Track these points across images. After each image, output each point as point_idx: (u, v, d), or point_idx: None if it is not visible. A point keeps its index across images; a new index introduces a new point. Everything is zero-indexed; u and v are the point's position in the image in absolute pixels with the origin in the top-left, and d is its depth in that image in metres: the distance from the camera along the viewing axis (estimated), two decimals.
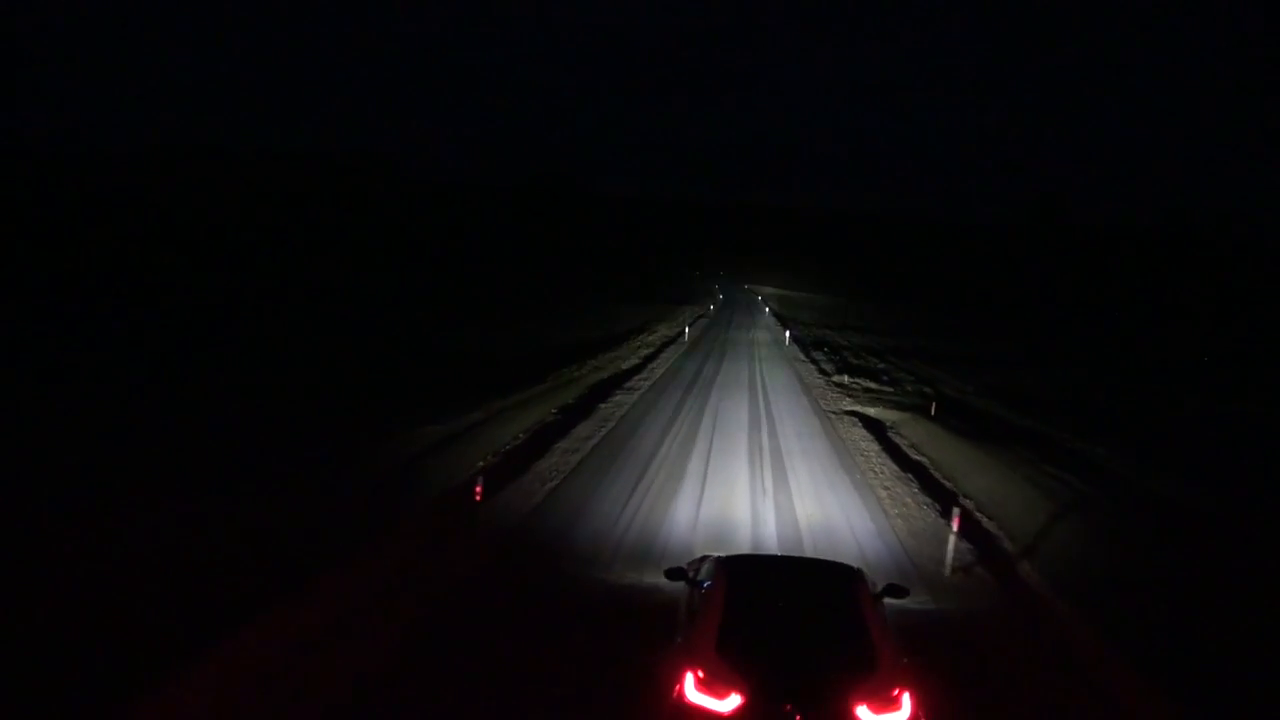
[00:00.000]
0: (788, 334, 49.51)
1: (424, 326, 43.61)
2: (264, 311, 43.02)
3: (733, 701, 5.17)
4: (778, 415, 21.77)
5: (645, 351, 38.31)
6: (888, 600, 6.84)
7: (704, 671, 5.33)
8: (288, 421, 17.18)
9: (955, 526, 9.94)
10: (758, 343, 46.66)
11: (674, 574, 7.27)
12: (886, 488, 14.46)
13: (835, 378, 31.25)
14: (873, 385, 29.88)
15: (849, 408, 23.97)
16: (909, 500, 13.57)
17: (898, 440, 19.40)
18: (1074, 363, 51.03)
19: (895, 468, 16.20)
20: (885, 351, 47.21)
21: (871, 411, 23.58)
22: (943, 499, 13.55)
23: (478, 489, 10.12)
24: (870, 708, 5.17)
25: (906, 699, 5.28)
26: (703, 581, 6.68)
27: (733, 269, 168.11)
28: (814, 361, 37.30)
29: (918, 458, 17.16)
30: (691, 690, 5.29)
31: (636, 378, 28.37)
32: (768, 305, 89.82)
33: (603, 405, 21.90)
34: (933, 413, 23.23)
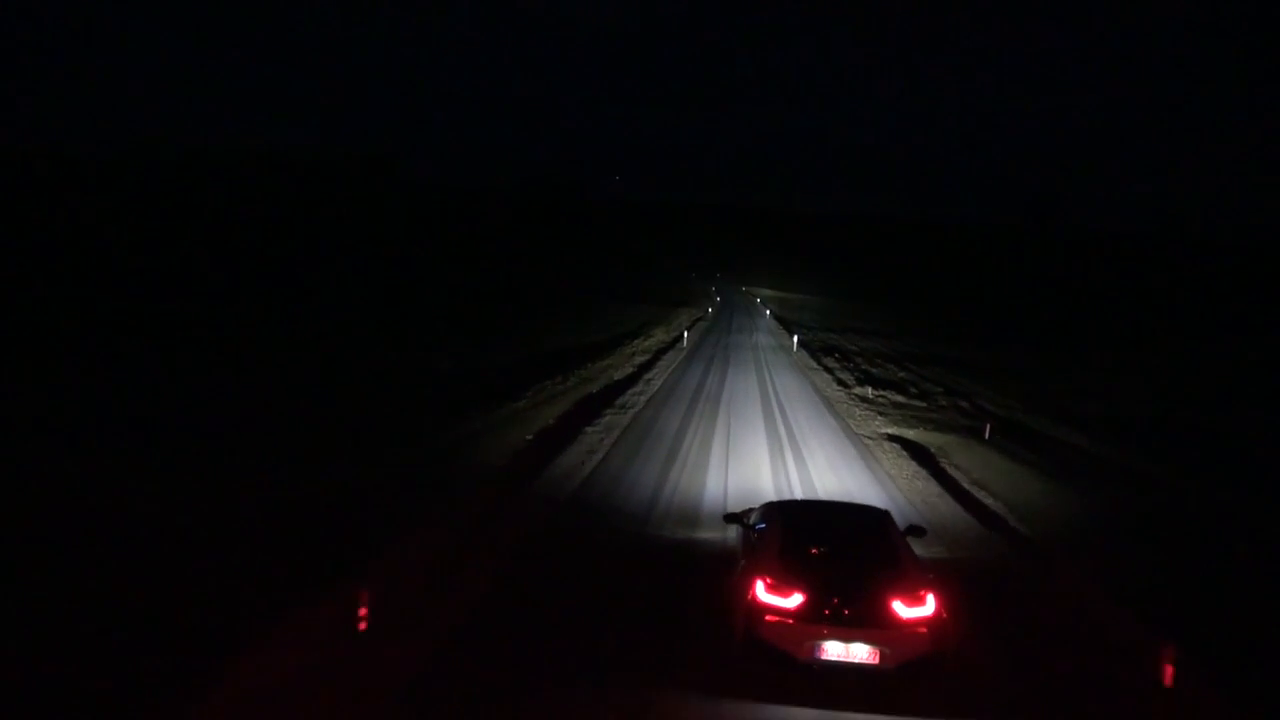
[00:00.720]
0: (795, 338, 45.67)
1: (404, 333, 39.83)
2: (240, 317, 39.23)
3: (795, 600, 6.44)
4: (803, 442, 17.87)
5: (641, 359, 34.42)
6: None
7: (771, 579, 6.63)
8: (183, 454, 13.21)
9: (1168, 681, 5.98)
10: (762, 348, 42.82)
11: (731, 518, 8.79)
12: None
13: (857, 390, 27.40)
14: (901, 399, 26.03)
15: (884, 429, 20.08)
16: None
17: (956, 474, 15.52)
18: (1098, 369, 47.28)
19: (971, 520, 12.31)
20: (901, 358, 43.39)
21: (912, 434, 19.71)
22: (1065, 582, 9.63)
23: (362, 611, 6.05)
24: (903, 601, 6.41)
25: (931, 597, 6.50)
26: (756, 524, 8.03)
27: (729, 271, 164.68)
28: (828, 370, 33.45)
29: (995, 506, 13.26)
30: (762, 592, 6.57)
31: (631, 391, 24.47)
32: (767, 307, 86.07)
33: (589, 429, 17.97)
34: (987, 436, 19.41)
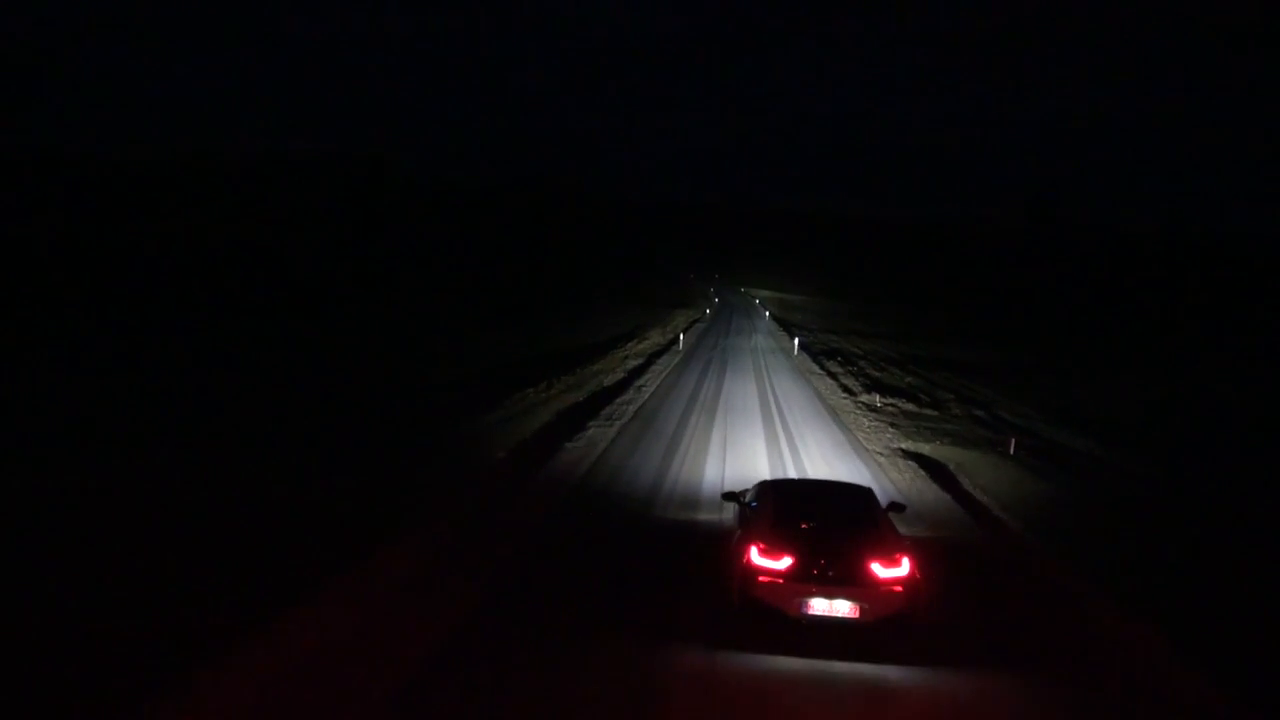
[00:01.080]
0: (795, 341, 43.75)
1: (383, 338, 37.96)
2: (220, 320, 37.40)
3: (785, 562, 7.13)
4: (808, 459, 15.93)
5: (633, 363, 32.53)
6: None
7: (764, 545, 7.32)
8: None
9: None
10: (762, 351, 40.96)
11: (728, 496, 9.70)
12: None
13: (863, 397, 25.47)
14: (912, 408, 24.11)
15: (897, 443, 18.12)
16: None
17: (986, 500, 13.57)
18: (1113, 372, 45.40)
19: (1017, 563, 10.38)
20: (906, 361, 41.51)
21: (928, 449, 17.76)
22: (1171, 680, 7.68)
23: None
24: (880, 564, 7.10)
25: (906, 560, 7.18)
26: (751, 501, 8.87)
27: (728, 272, 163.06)
28: (831, 374, 31.55)
29: (1037, 542, 11.29)
30: (756, 556, 7.26)
31: (619, 400, 22.56)
32: (766, 309, 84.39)
33: (568, 445, 16.06)
34: (1012, 451, 17.48)
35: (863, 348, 47.72)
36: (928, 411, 23.73)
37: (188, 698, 5.17)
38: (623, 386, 25.30)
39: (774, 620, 7.07)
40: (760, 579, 7.14)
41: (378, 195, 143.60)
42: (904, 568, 7.11)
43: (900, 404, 24.45)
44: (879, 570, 7.04)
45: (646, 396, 23.76)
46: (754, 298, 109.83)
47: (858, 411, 22.58)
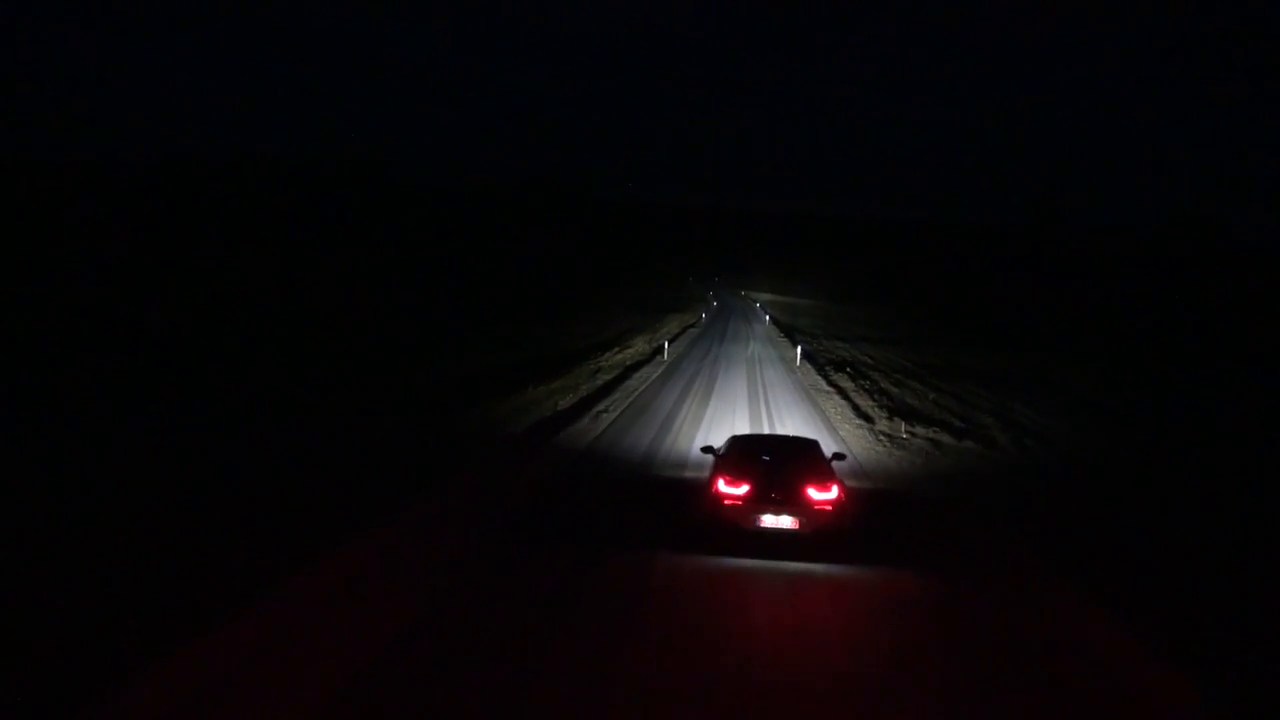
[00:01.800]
0: (798, 350, 38.51)
1: (344, 345, 32.91)
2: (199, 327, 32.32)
3: (744, 489, 9.49)
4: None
5: (604, 378, 27.38)
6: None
7: (729, 477, 9.64)
8: None
9: None
10: (758, 361, 35.74)
11: (706, 449, 11.87)
12: None
13: (883, 425, 20.23)
14: (949, 439, 18.82)
15: None
16: None
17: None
18: (1150, 381, 40.07)
19: None
20: (923, 372, 36.24)
21: None
22: None
23: None
24: (816, 490, 9.44)
25: (835, 487, 9.54)
26: (721, 452, 11.03)
27: (729, 274, 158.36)
28: (841, 392, 26.32)
29: None
30: (722, 486, 9.59)
31: (569, 430, 17.41)
32: (766, 313, 79.22)
33: (472, 509, 10.89)
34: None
35: (874, 356, 42.47)
36: (969, 444, 18.46)
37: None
38: (579, 411, 20.10)
39: (735, 533, 9.44)
40: (725, 502, 9.54)
41: (372, 200, 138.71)
42: (834, 493, 9.47)
43: (933, 434, 19.20)
44: (814, 495, 9.41)
45: (607, 424, 18.57)
46: (754, 301, 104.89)
47: (879, 448, 17.31)
